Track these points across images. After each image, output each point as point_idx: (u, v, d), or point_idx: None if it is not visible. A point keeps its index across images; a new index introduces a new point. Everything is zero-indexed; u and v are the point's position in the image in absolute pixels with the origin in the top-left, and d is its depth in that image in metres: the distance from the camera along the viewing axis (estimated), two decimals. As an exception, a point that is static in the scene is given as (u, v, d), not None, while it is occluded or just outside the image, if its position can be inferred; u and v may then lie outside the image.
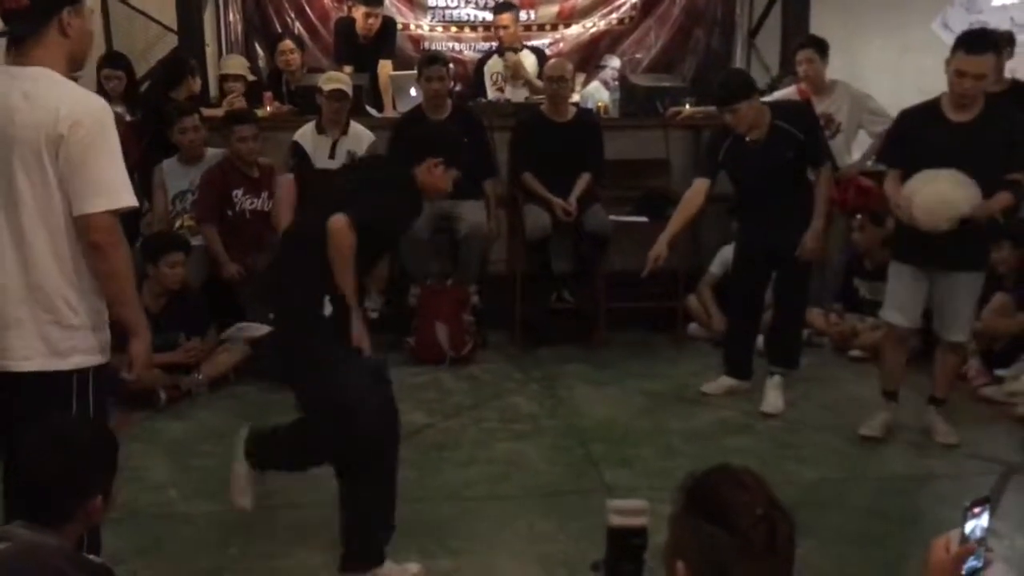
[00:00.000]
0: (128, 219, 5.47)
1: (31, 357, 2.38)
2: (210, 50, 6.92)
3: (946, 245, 3.80)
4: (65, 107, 2.32)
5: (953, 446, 4.01)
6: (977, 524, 1.62)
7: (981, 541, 1.62)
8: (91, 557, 1.84)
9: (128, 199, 2.41)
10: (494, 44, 7.09)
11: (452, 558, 3.13)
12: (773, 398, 4.48)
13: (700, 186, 4.51)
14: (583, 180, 5.41)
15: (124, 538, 3.16)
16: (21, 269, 2.37)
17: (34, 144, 2.31)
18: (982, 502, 1.64)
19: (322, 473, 3.80)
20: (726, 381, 4.73)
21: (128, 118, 5.52)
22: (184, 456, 4.02)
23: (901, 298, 4.04)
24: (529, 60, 6.79)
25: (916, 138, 3.89)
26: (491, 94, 6.66)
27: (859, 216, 5.44)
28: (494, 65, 6.81)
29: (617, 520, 1.57)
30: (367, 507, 3.02)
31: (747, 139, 4.36)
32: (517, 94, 6.61)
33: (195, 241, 5.10)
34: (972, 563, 1.62)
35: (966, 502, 1.63)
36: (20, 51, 2.38)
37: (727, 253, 5.64)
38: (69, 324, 2.40)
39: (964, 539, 1.61)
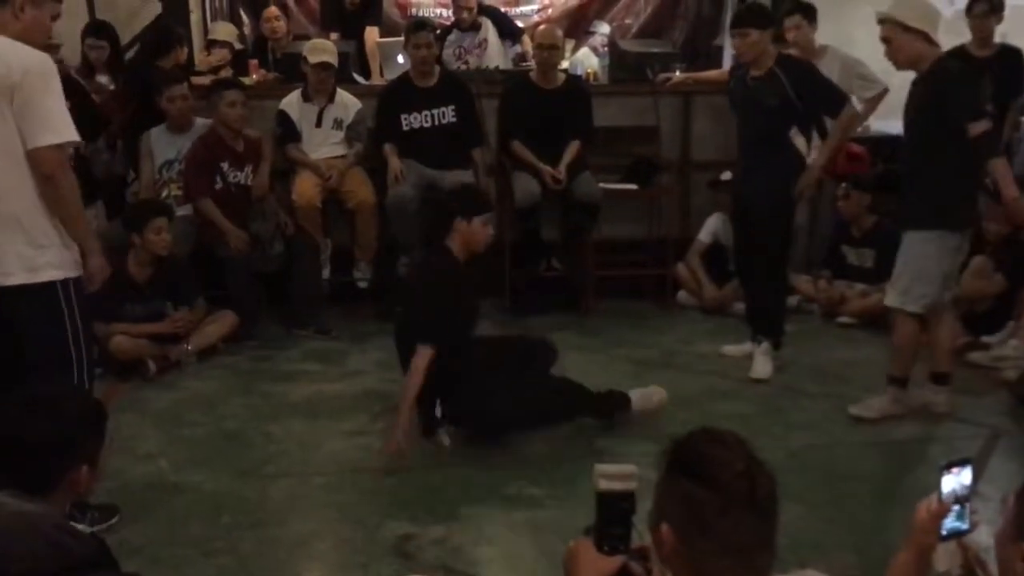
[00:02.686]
0: (113, 188, 5.56)
1: (12, 273, 2.84)
2: (194, 17, 6.82)
3: (901, 199, 3.84)
4: (16, 60, 2.75)
5: (861, 418, 3.91)
6: (957, 484, 1.64)
7: (963, 501, 1.63)
8: (81, 526, 1.84)
9: (70, 135, 2.85)
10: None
11: (443, 524, 3.15)
12: (760, 364, 4.50)
13: None
14: (572, 148, 5.39)
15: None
16: None
17: None
18: (960, 463, 1.65)
19: (313, 442, 3.83)
20: (747, 347, 4.68)
21: (112, 87, 5.47)
22: (174, 426, 4.02)
23: (944, 266, 3.87)
24: (485, 23, 6.64)
25: None
26: (454, 66, 6.53)
27: (843, 185, 5.43)
28: (454, 40, 6.69)
29: (605, 484, 1.57)
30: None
31: (749, 75, 4.41)
32: (482, 63, 6.51)
33: (181, 211, 5.06)
34: (956, 523, 1.63)
35: (942, 462, 1.65)
36: None
37: (715, 221, 5.65)
38: (40, 244, 2.85)
39: (941, 499, 1.63)
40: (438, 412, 3.66)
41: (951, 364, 4.07)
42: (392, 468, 3.51)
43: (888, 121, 5.62)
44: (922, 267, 3.78)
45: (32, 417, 1.95)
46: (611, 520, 1.59)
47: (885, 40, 3.76)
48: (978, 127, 3.64)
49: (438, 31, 5.93)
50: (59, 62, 4.93)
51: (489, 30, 6.60)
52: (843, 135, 4.44)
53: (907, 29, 3.70)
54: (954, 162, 3.69)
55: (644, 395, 3.90)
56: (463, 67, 6.45)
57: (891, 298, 3.90)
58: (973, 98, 3.80)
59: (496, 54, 6.56)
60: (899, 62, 3.81)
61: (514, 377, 3.79)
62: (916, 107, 3.80)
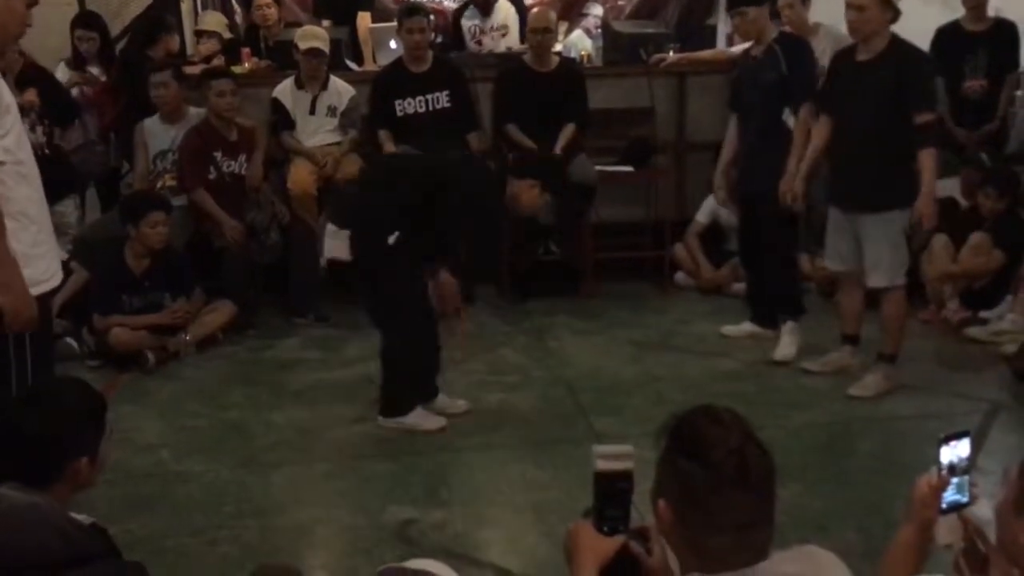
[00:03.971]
0: (108, 179, 5.53)
1: None
2: (185, 6, 6.78)
3: (860, 181, 3.83)
4: None
5: (859, 398, 3.93)
6: (956, 456, 1.64)
7: (962, 473, 1.64)
8: (81, 517, 1.85)
9: None
10: None
11: (445, 508, 3.16)
12: (785, 345, 4.45)
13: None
14: (568, 131, 5.37)
15: (117, 498, 3.17)
16: None
17: None
18: (958, 435, 1.65)
19: (314, 430, 3.84)
20: (747, 326, 4.74)
21: (103, 79, 5.44)
22: (175, 417, 4.03)
23: (833, 241, 4.07)
24: (504, 10, 6.65)
25: None
26: (470, 47, 6.56)
27: None
28: (471, 17, 6.69)
29: (603, 465, 1.58)
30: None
31: (752, 53, 4.43)
32: (497, 47, 6.51)
33: (177, 201, 5.05)
34: (956, 497, 1.64)
35: (940, 435, 1.65)
36: None
37: (713, 201, 5.63)
38: None
39: (940, 471, 1.63)
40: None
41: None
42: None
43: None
44: (899, 241, 3.94)
45: (32, 409, 1.95)
46: (609, 500, 1.59)
47: (858, 7, 3.74)
48: (925, 117, 3.78)
49: (431, 16, 5.90)
50: (20, 54, 4.92)
51: (509, 16, 6.57)
52: (802, 137, 4.37)
53: (885, 2, 3.70)
54: (910, 141, 3.80)
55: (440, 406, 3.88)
56: (476, 47, 6.44)
57: (879, 279, 3.93)
58: (934, 90, 4.00)
59: (516, 41, 6.51)
60: (862, 32, 3.82)
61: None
62: (875, 90, 3.81)
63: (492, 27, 6.57)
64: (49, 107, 4.93)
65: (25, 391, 2.06)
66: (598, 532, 1.60)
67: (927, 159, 3.80)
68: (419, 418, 3.76)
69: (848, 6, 3.80)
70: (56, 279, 2.75)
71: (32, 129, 4.92)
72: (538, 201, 3.80)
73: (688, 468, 1.45)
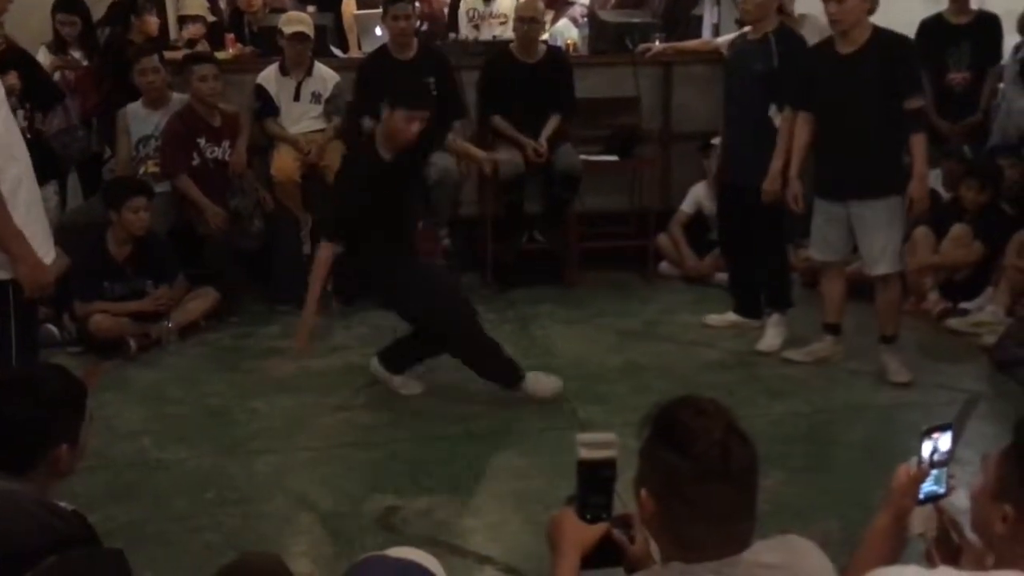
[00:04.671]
0: (90, 164, 5.49)
1: None
2: (169, -9, 6.72)
3: (855, 172, 3.85)
4: None
5: (904, 384, 3.98)
6: (935, 448, 1.66)
7: (941, 465, 1.66)
8: (63, 504, 1.84)
9: None
10: None
11: (428, 496, 3.16)
12: (770, 336, 4.48)
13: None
14: (553, 120, 5.36)
15: (98, 485, 3.16)
16: None
17: None
18: (940, 428, 1.67)
19: (297, 417, 3.83)
20: (730, 316, 4.76)
21: (85, 63, 5.39)
22: (156, 404, 4.01)
23: (821, 232, 4.09)
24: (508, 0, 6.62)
25: None
26: (466, 30, 6.52)
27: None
28: (471, 1, 6.65)
29: (585, 453, 1.58)
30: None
31: (747, 37, 4.42)
32: (493, 33, 6.47)
33: (160, 188, 5.01)
34: (933, 487, 1.66)
35: (924, 427, 1.66)
36: None
37: (698, 191, 5.65)
38: None
39: (920, 463, 1.65)
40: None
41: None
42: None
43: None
44: (900, 227, 4.00)
45: (11, 395, 1.93)
46: (592, 488, 1.60)
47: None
48: (916, 102, 3.85)
49: (416, 4, 5.87)
50: (3, 37, 4.88)
51: (508, 4, 6.53)
52: (786, 136, 4.37)
53: None
54: (901, 128, 3.87)
55: (537, 379, 3.87)
56: (474, 31, 6.41)
57: (886, 266, 3.97)
58: (920, 75, 4.05)
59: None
60: (844, 23, 3.83)
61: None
62: (863, 81, 3.84)
63: (492, 14, 6.55)
64: (31, 91, 4.89)
65: (5, 377, 2.03)
66: (581, 520, 1.61)
67: (918, 144, 3.85)
68: (535, 383, 3.80)
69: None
70: (48, 258, 2.76)
71: (13, 113, 4.88)
72: (412, 132, 3.61)
73: (670, 459, 1.45)
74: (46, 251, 2.77)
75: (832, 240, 4.06)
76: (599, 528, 1.61)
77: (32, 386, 1.96)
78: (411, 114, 3.61)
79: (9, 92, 4.75)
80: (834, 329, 4.24)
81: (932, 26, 5.54)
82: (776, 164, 4.23)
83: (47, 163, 5.07)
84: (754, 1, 4.34)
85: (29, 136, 4.85)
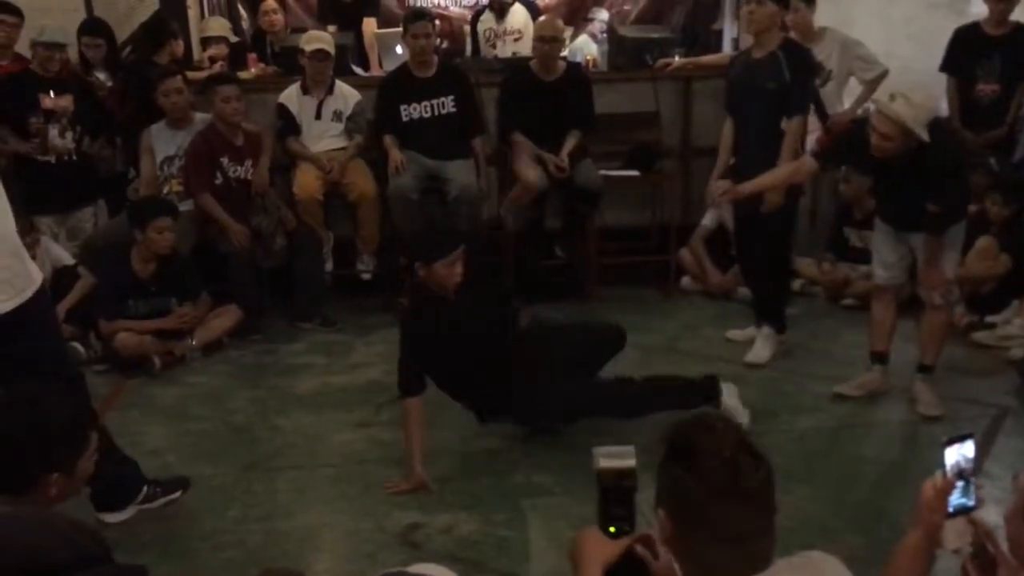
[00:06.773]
0: (115, 185, 5.56)
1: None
2: (192, 12, 6.81)
3: (915, 208, 3.70)
4: None
5: (935, 417, 3.82)
6: (960, 457, 1.63)
7: (967, 476, 1.63)
8: (82, 521, 1.84)
9: None
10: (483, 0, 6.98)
11: (450, 514, 3.15)
12: (759, 348, 4.48)
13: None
14: (573, 136, 5.36)
15: (123, 503, 3.17)
16: None
17: None
18: (962, 437, 1.65)
19: (319, 434, 3.84)
20: (753, 331, 4.67)
21: (110, 84, 5.46)
22: (180, 421, 4.03)
23: (883, 254, 4.00)
24: (520, 15, 6.67)
25: None
26: (484, 50, 6.57)
27: (844, 168, 5.40)
28: (487, 21, 6.71)
29: (605, 463, 1.57)
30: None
31: (751, 57, 4.38)
32: (509, 49, 6.52)
33: (183, 207, 5.06)
34: (962, 500, 1.63)
35: (944, 438, 1.64)
36: None
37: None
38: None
39: (945, 473, 1.62)
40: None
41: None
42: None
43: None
44: (951, 260, 3.85)
45: (10, 414, 1.91)
46: (613, 499, 1.58)
47: (887, 137, 3.54)
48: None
49: (436, 22, 5.92)
50: (65, 61, 5.07)
51: (523, 21, 6.57)
52: (794, 148, 4.31)
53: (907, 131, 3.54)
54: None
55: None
56: (491, 50, 6.45)
57: (939, 298, 3.83)
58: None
59: (530, 47, 6.51)
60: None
61: (571, 371, 3.61)
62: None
63: (506, 31, 6.60)
64: (82, 114, 5.07)
65: (12, 395, 2.01)
66: (604, 532, 1.60)
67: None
68: (731, 397, 3.57)
69: None
70: (9, 304, 2.52)
71: (62, 134, 5.00)
72: (456, 274, 3.47)
73: (680, 477, 1.45)
74: (8, 296, 2.52)
75: (891, 261, 3.96)
76: (620, 543, 1.60)
77: (34, 409, 1.93)
78: (446, 261, 3.44)
79: (60, 114, 4.93)
80: (881, 358, 4.07)
81: (967, 35, 5.46)
82: (782, 175, 4.18)
83: (90, 187, 5.20)
84: (761, 13, 4.29)
85: (75, 158, 5.02)
